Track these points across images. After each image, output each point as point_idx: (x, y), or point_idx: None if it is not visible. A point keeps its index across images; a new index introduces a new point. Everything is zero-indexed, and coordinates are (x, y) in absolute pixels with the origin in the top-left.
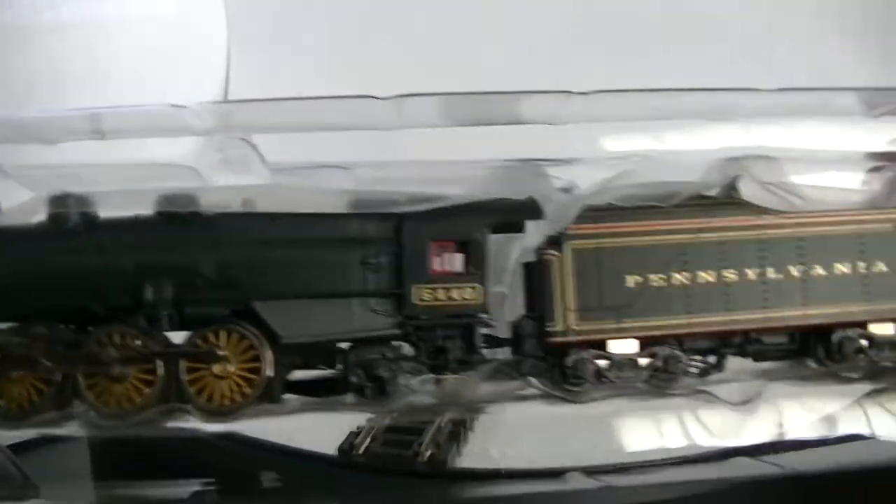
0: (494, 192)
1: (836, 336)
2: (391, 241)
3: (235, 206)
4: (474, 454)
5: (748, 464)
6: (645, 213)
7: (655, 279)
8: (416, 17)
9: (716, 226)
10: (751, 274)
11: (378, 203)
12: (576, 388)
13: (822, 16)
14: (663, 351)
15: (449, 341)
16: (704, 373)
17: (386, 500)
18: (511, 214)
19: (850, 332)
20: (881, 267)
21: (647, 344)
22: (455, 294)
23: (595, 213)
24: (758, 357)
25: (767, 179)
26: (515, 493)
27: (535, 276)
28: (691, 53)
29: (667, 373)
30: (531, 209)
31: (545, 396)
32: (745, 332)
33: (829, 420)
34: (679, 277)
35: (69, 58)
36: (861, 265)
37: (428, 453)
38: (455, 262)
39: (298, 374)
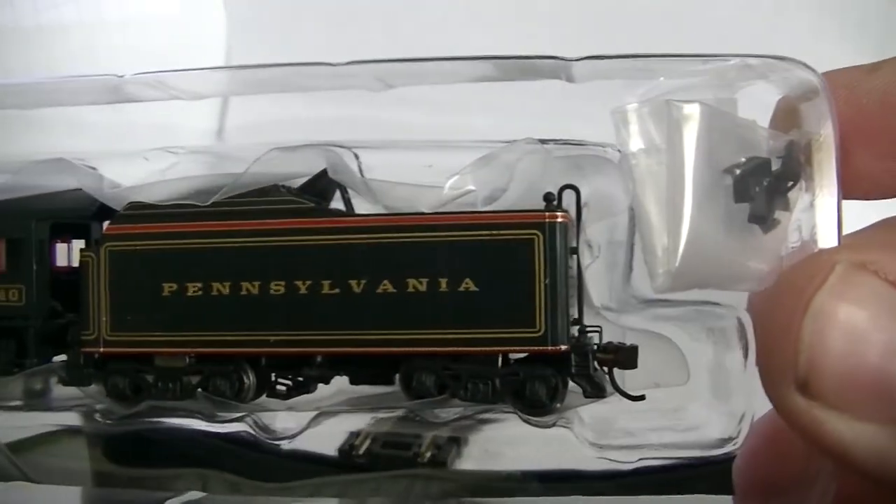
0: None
1: (411, 367)
2: None
3: None
4: None
5: None
6: (183, 213)
7: (192, 289)
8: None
9: (254, 229)
10: (301, 287)
11: None
12: (123, 402)
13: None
14: (210, 368)
15: (3, 342)
16: (288, 394)
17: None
18: (58, 213)
19: (426, 364)
20: (469, 285)
21: (201, 359)
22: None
23: (134, 213)
24: (352, 379)
25: (339, 175)
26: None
27: (80, 279)
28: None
29: (213, 393)
30: (81, 208)
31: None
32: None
33: None
34: (217, 287)
35: (69, 58)
36: (443, 282)
37: (428, 455)
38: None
39: None
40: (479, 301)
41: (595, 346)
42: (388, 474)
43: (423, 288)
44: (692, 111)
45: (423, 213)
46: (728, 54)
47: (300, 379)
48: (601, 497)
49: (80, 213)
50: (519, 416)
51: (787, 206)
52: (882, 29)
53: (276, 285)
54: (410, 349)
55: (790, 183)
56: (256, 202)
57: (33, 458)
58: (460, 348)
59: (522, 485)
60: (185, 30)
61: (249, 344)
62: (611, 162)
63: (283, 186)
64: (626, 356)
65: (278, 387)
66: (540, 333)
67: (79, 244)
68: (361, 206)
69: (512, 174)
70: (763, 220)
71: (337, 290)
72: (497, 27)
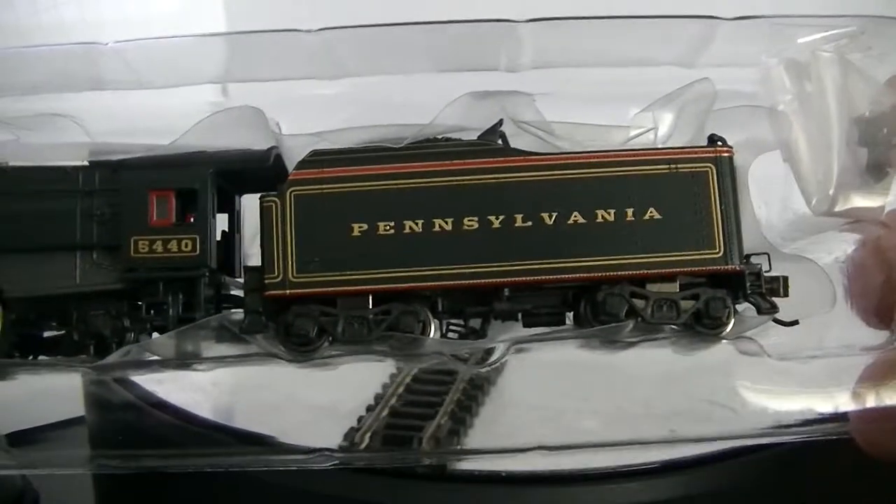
0: (223, 141)
1: (601, 293)
2: (116, 191)
3: None
4: None
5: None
6: (373, 156)
7: (383, 228)
8: None
9: (450, 169)
10: (495, 222)
11: (117, 153)
12: (302, 348)
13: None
14: (396, 307)
15: (171, 296)
16: (464, 338)
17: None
18: (235, 164)
19: (617, 289)
20: (654, 214)
21: (387, 300)
22: (172, 246)
23: (320, 158)
24: (527, 320)
25: (522, 118)
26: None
27: (261, 224)
28: None
29: (402, 332)
30: (258, 158)
31: (266, 356)
32: (494, 288)
33: None
34: (410, 225)
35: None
36: (629, 212)
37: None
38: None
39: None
40: (663, 227)
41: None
42: None
43: (611, 218)
44: (831, 59)
45: (608, 150)
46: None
47: (468, 326)
48: None
49: (257, 164)
50: (696, 335)
51: (894, 164)
52: None
53: (470, 221)
54: (602, 274)
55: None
56: (446, 144)
57: (32, 450)
58: (648, 271)
59: None
60: (185, 30)
61: (443, 278)
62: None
63: (453, 139)
64: (780, 284)
65: (450, 333)
66: (720, 254)
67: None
68: (545, 148)
69: (685, 114)
70: (878, 168)
71: (529, 224)
72: None
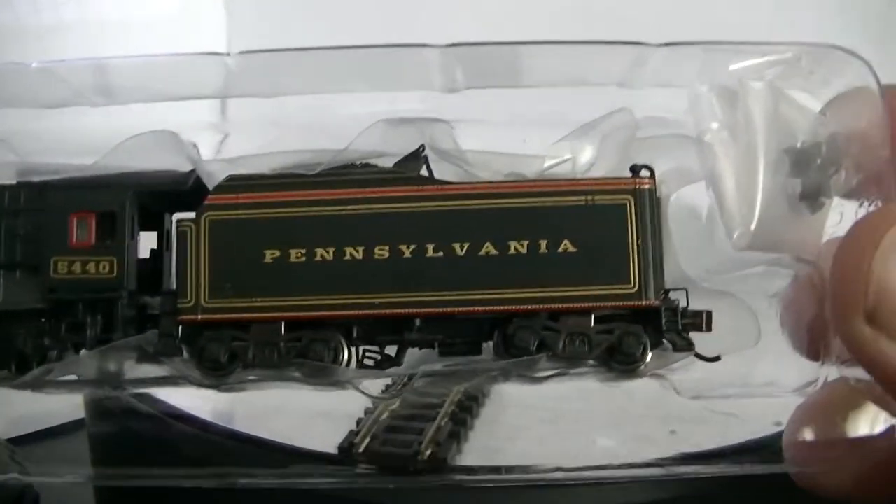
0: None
1: (512, 326)
2: (39, 211)
3: None
4: None
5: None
6: (287, 183)
7: (295, 255)
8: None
9: (363, 197)
10: (406, 251)
11: (48, 174)
12: (215, 372)
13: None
14: (307, 335)
15: (89, 317)
16: (379, 365)
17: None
18: (153, 186)
19: (527, 322)
20: (568, 246)
21: (300, 327)
22: (91, 267)
23: (236, 183)
24: (443, 350)
25: (441, 146)
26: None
27: (176, 249)
28: None
29: (311, 360)
30: (176, 181)
31: (181, 380)
32: (407, 318)
33: None
34: (321, 253)
35: (69, 58)
36: (542, 244)
37: (428, 452)
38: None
39: None
40: (578, 260)
41: (682, 306)
42: None
43: (523, 250)
44: (761, 88)
45: (523, 181)
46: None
47: (384, 353)
48: None
49: (175, 188)
50: (611, 370)
51: (829, 193)
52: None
53: (381, 250)
54: (513, 307)
55: (833, 169)
56: (360, 172)
57: (33, 453)
58: (561, 305)
59: None
60: (185, 30)
61: (353, 307)
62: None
63: (371, 164)
64: (703, 319)
65: (366, 360)
66: (635, 289)
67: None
68: (466, 177)
69: (605, 144)
70: (813, 198)
71: (441, 254)
72: None
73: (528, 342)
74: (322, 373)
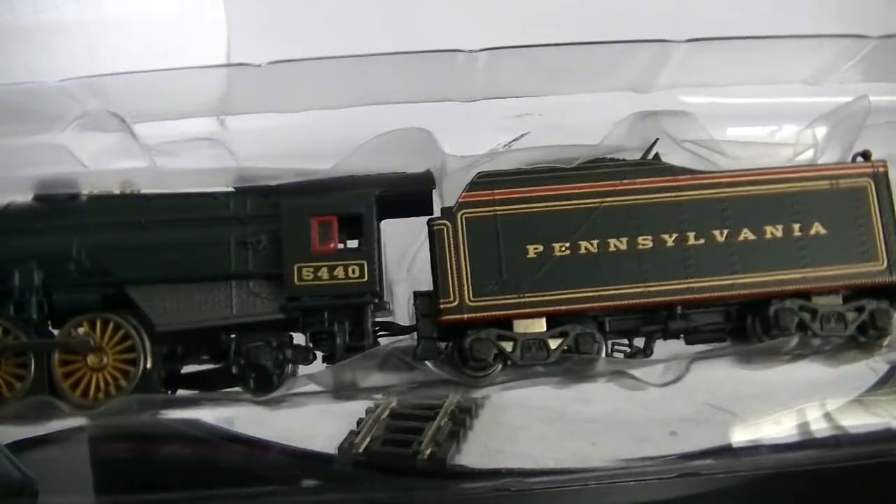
0: (385, 163)
1: (773, 308)
2: (271, 217)
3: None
4: None
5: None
6: (544, 177)
7: (559, 248)
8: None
9: (624, 188)
10: (668, 240)
11: (263, 179)
12: (477, 374)
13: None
14: (574, 329)
15: (336, 325)
16: (631, 356)
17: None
18: (397, 186)
19: (788, 304)
20: (819, 229)
21: (557, 322)
22: (339, 272)
23: (490, 180)
24: (690, 338)
25: (685, 137)
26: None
27: (432, 249)
28: None
29: (579, 354)
30: (421, 180)
31: (439, 383)
32: (668, 306)
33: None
34: (586, 246)
35: (69, 58)
36: (795, 227)
37: (428, 452)
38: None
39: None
40: (829, 242)
41: None
42: None
43: (779, 234)
44: None
45: (773, 167)
46: None
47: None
48: None
49: (423, 187)
50: (859, 346)
51: None
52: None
53: (644, 240)
54: (776, 289)
55: None
56: (615, 164)
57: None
58: (817, 285)
59: None
60: (185, 30)
61: (619, 297)
62: None
63: (617, 158)
64: None
65: (614, 353)
66: (884, 266)
67: None
68: (699, 166)
69: (839, 131)
70: None
71: (702, 241)
72: None
73: (790, 323)
74: (587, 367)
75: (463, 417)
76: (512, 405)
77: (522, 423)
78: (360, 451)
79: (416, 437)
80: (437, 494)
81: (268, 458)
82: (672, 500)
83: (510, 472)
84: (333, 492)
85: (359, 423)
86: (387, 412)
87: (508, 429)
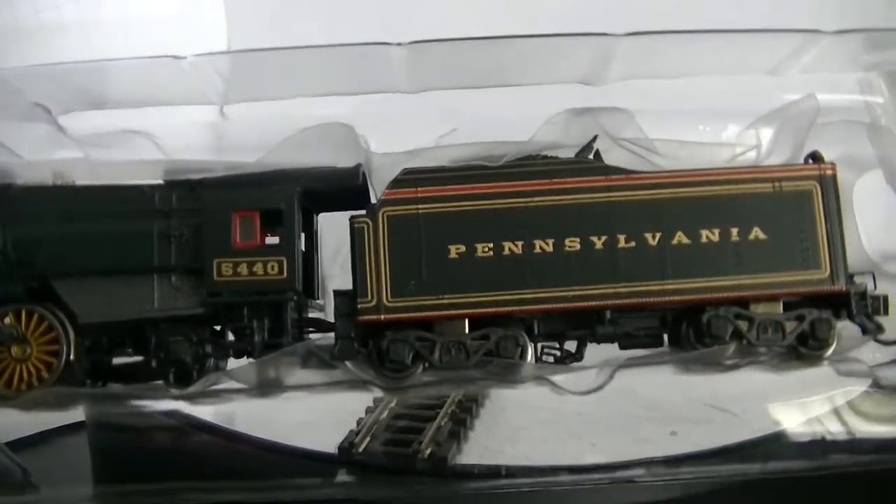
0: (310, 158)
1: (706, 315)
2: (195, 211)
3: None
4: None
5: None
6: (470, 175)
7: (482, 249)
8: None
9: (552, 188)
10: (597, 242)
11: (194, 172)
12: (396, 375)
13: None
14: (496, 332)
15: (255, 322)
16: (561, 361)
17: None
18: (323, 182)
19: (722, 311)
20: (759, 234)
21: (483, 324)
22: (258, 269)
23: (414, 177)
24: (624, 342)
25: (623, 135)
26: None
27: (352, 247)
28: None
29: (500, 357)
30: (347, 176)
31: (358, 383)
32: (598, 311)
33: None
34: (510, 247)
35: (69, 58)
36: (734, 232)
37: (428, 451)
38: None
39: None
40: (769, 247)
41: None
42: None
43: (715, 238)
44: None
45: (712, 168)
46: None
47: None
48: None
49: (346, 183)
50: (799, 357)
51: None
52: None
53: (572, 242)
54: (709, 296)
55: None
56: (545, 162)
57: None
58: (754, 293)
59: None
60: (185, 30)
61: (544, 301)
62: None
63: (550, 156)
64: (882, 304)
65: (544, 357)
66: (826, 274)
67: None
68: (639, 166)
69: (786, 131)
70: None
71: (633, 244)
72: None
73: (723, 331)
74: (510, 371)
75: (464, 417)
76: (512, 405)
77: (523, 424)
78: (361, 450)
79: (416, 436)
80: (438, 494)
81: (269, 458)
82: (672, 500)
83: (510, 472)
84: (333, 491)
85: (359, 422)
86: (387, 412)
87: (509, 429)
